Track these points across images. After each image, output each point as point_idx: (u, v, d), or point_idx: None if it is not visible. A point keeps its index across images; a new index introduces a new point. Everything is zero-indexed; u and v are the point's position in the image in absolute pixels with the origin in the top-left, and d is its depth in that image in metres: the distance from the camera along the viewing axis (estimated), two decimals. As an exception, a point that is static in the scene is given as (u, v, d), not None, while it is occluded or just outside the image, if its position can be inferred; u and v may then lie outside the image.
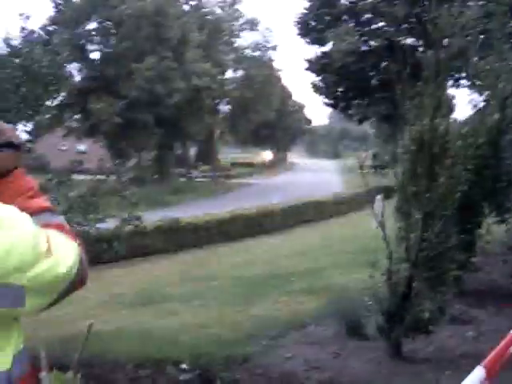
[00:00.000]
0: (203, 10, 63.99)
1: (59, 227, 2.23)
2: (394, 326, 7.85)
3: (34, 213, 2.19)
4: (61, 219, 2.34)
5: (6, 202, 2.09)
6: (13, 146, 2.35)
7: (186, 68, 52.94)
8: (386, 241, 8.16)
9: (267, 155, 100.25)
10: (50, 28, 51.75)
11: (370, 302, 8.19)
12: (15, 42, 12.21)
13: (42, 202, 2.36)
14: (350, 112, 44.37)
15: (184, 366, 8.20)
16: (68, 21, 52.81)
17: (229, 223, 26.84)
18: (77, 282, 2.14)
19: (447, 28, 8.47)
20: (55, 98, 12.89)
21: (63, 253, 2.07)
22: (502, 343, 4.46)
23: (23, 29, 12.44)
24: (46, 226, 2.18)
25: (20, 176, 2.38)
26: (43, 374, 5.83)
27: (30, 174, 2.43)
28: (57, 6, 53.82)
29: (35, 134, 12.11)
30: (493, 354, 4.14)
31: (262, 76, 67.59)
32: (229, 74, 69.51)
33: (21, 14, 12.34)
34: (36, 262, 1.96)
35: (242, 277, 16.81)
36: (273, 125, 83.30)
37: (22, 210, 2.09)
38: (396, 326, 7.82)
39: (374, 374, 7.66)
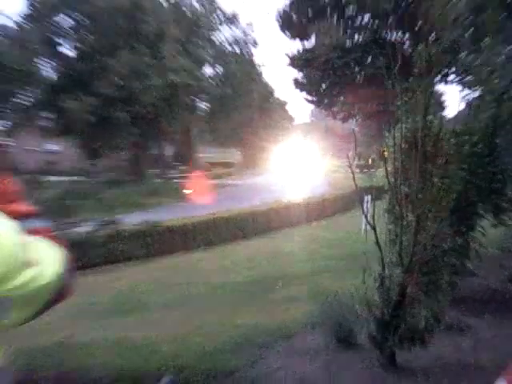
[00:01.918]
0: (180, 3, 63.88)
1: (43, 233, 2.15)
2: (387, 335, 7.77)
3: (16, 218, 2.11)
4: (45, 224, 2.26)
5: None
6: None
7: (163, 64, 52.82)
8: (378, 244, 8.07)
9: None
10: (20, 22, 51.52)
11: (362, 310, 8.11)
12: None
13: (25, 206, 2.29)
14: (333, 109, 44.40)
15: (167, 378, 8.10)
16: (37, 13, 52.52)
17: (209, 227, 26.74)
18: (63, 291, 2.06)
19: (438, 21, 8.43)
20: (28, 96, 12.79)
21: (48, 261, 2.00)
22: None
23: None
24: (30, 232, 2.13)
25: (1, 179, 2.29)
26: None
27: (2, 175, 2.33)
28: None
29: (8, 133, 11.96)
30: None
31: (242, 72, 67.54)
32: (207, 70, 69.53)
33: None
34: (20, 272, 1.90)
35: (225, 283, 16.76)
36: (254, 123, 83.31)
37: (4, 215, 2.00)
38: (390, 334, 7.74)
39: (367, 386, 7.59)
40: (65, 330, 7.36)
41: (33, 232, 2.14)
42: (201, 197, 51.43)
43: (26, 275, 1.92)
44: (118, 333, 11.62)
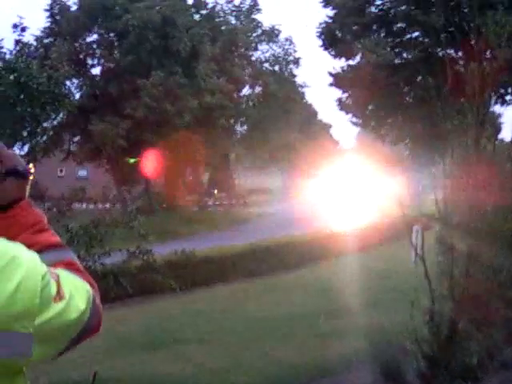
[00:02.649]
0: (216, 19, 63.80)
1: (70, 265, 2.21)
2: (437, 373, 7.78)
3: (41, 249, 2.16)
4: (71, 256, 2.30)
5: (10, 237, 2.06)
6: (17, 173, 2.33)
7: (198, 84, 52.79)
8: (427, 277, 8.10)
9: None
10: (46, 41, 51.77)
11: (411, 346, 8.12)
12: (9, 56, 12.13)
13: (51, 236, 2.33)
14: (381, 132, 43.96)
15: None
16: (65, 33, 52.89)
17: (248, 257, 26.65)
18: (90, 327, 2.11)
19: (493, 38, 8.45)
20: (54, 119, 12.95)
21: (75, 295, 2.05)
22: None
23: (18, 42, 12.35)
24: (56, 264, 2.15)
25: (26, 208, 2.35)
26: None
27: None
28: (53, 16, 53.88)
29: (32, 158, 12.14)
30: None
31: (282, 93, 67.21)
32: (245, 90, 69.38)
33: (15, 26, 12.26)
34: (45, 307, 1.93)
35: (263, 317, 16.76)
36: (295, 146, 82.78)
37: (29, 246, 2.06)
38: (440, 372, 7.75)
39: (416, 427, 7.60)
40: (91, 365, 7.47)
41: (58, 264, 2.16)
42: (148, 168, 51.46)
43: (51, 310, 1.94)
44: (151, 369, 11.70)
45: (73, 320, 2.02)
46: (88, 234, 10.37)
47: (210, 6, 63.44)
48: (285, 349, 12.38)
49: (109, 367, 11.14)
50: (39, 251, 2.10)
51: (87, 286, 2.14)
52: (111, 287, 10.87)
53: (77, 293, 2.07)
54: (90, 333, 2.14)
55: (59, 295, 1.99)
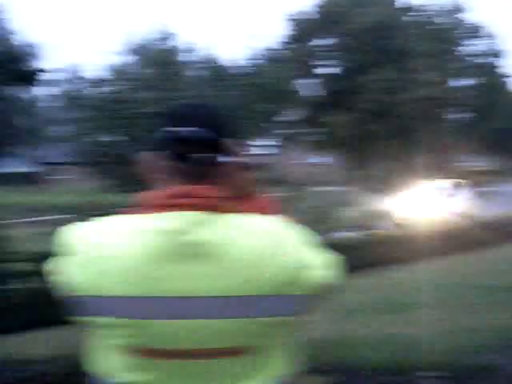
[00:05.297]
0: (423, 20, 62.78)
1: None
2: None
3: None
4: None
5: None
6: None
7: (414, 78, 52.30)
8: None
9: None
10: (283, 46, 52.67)
11: None
12: (243, 62, 12.43)
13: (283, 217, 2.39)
14: None
15: (434, 373, 8.11)
16: (299, 38, 53.83)
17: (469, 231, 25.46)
18: (328, 291, 2.19)
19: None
20: (288, 114, 13.13)
21: (319, 263, 2.14)
22: None
23: (251, 49, 12.59)
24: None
25: (259, 194, 2.48)
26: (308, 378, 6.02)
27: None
28: (292, 23, 54.86)
29: (275, 148, 12.39)
30: None
31: (492, 83, 65.43)
32: (460, 82, 67.76)
33: (249, 36, 12.52)
34: (302, 273, 2.04)
35: (480, 285, 16.30)
36: (506, 132, 79.98)
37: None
38: None
39: None
40: (335, 325, 7.63)
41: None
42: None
43: (305, 276, 2.04)
44: (379, 330, 11.76)
45: (319, 284, 2.11)
46: (323, 212, 10.50)
47: (417, 8, 62.55)
48: (499, 315, 12.10)
49: (347, 328, 11.30)
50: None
51: (326, 255, 2.22)
52: (346, 259, 10.96)
53: (319, 261, 2.16)
54: (328, 296, 2.23)
55: (309, 263, 2.09)
